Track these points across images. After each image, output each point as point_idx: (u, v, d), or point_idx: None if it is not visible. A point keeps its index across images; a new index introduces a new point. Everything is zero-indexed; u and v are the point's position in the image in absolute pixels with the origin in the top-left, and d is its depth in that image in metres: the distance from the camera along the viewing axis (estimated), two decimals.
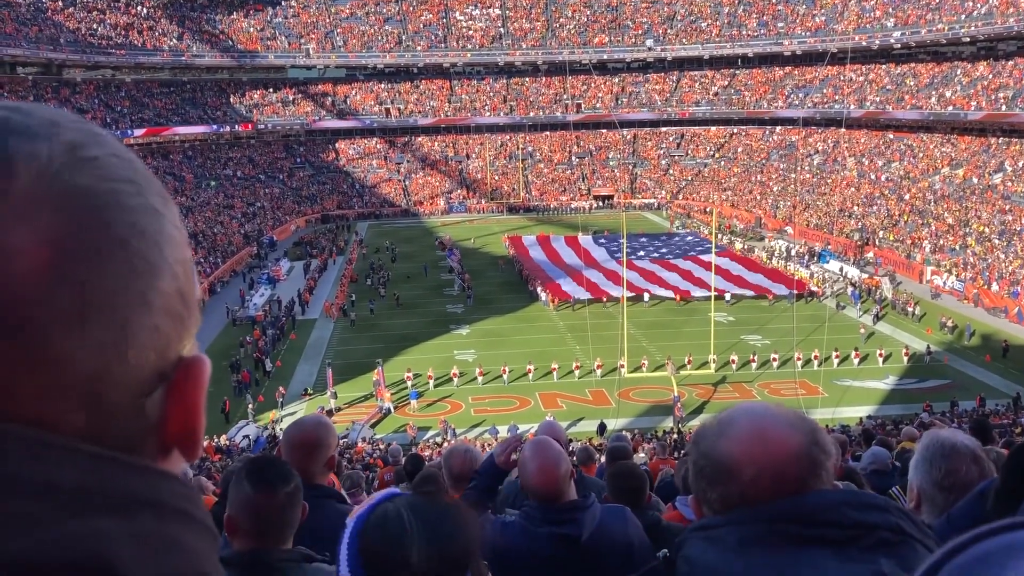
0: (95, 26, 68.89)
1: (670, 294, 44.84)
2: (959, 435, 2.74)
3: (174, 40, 74.97)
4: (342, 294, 46.61)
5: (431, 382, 33.43)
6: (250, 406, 30.52)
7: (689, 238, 59.55)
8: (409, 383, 33.26)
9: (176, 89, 75.58)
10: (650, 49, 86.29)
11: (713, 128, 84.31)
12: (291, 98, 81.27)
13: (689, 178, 79.87)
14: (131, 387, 0.54)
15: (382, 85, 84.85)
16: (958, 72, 64.83)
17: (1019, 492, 1.56)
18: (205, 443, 25.73)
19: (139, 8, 74.98)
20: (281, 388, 32.44)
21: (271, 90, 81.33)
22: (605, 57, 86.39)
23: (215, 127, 74.40)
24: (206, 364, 0.63)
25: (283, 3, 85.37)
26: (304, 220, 70.27)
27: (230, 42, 79.03)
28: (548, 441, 3.02)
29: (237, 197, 67.59)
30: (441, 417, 30.00)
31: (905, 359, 35.18)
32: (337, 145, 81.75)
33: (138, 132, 66.23)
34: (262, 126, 78.11)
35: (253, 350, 37.00)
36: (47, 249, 0.51)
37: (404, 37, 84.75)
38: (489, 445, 25.46)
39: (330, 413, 30.88)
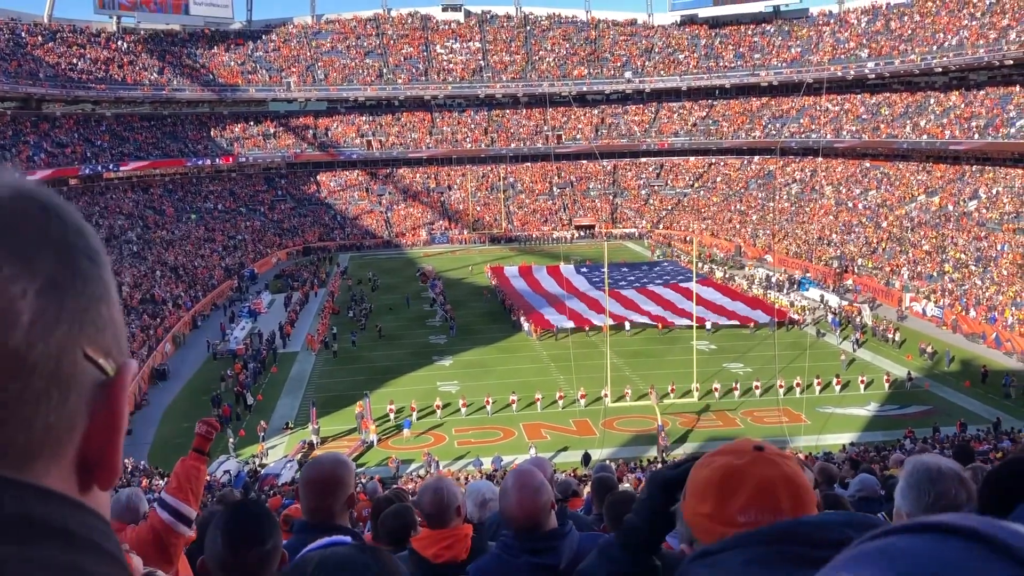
0: (75, 60, 68.92)
1: (652, 323, 44.94)
2: (942, 459, 2.75)
3: (155, 74, 75.04)
4: (324, 326, 46.40)
5: (414, 414, 33.21)
6: (231, 441, 30.18)
7: (670, 267, 59.84)
8: (392, 415, 33.05)
9: (157, 123, 75.54)
10: (629, 81, 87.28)
11: (692, 158, 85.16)
12: (272, 131, 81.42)
13: (669, 207, 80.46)
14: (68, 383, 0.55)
15: (363, 118, 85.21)
16: (931, 102, 65.92)
17: (998, 512, 1.57)
18: None
19: (119, 43, 75.12)
20: (263, 422, 32.15)
21: (252, 123, 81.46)
22: (584, 89, 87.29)
23: (196, 160, 74.32)
24: (133, 365, 0.64)
25: (264, 37, 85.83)
26: (285, 253, 70.09)
27: (211, 76, 79.20)
28: (530, 470, 3.01)
29: (218, 230, 67.38)
30: (425, 449, 29.78)
31: (886, 386, 35.35)
32: (319, 177, 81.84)
33: (118, 166, 66.08)
34: (243, 159, 78.10)
35: (234, 384, 36.69)
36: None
37: (385, 70, 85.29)
38: (473, 477, 25.31)
39: (311, 447, 30.65)
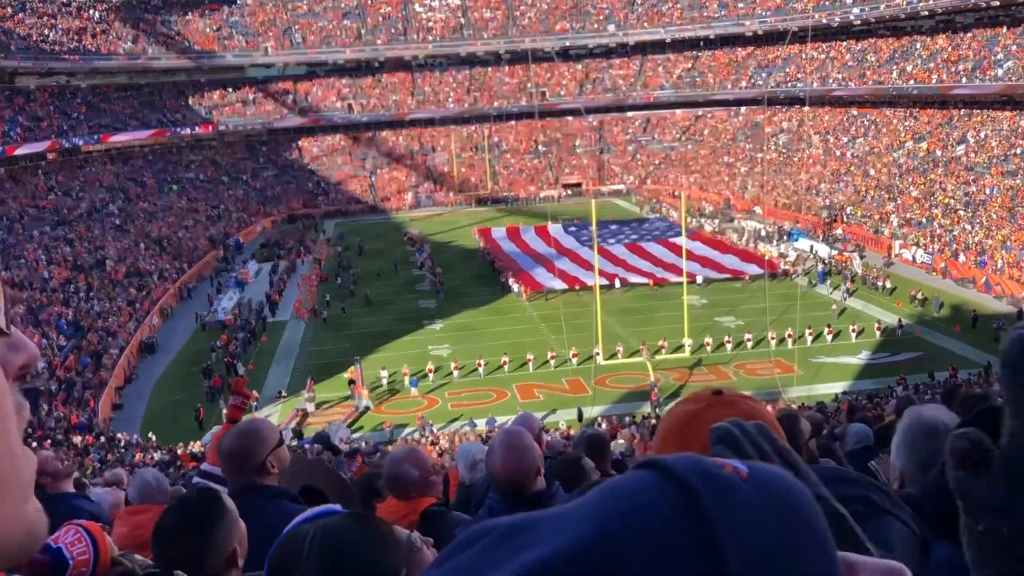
0: (46, 32, 67.48)
1: (644, 280, 44.81)
2: (941, 413, 2.70)
3: (129, 43, 73.68)
4: (312, 294, 46.10)
5: (406, 378, 33.14)
6: (224, 411, 30.00)
7: (659, 223, 59.63)
8: (384, 381, 32.96)
9: (133, 93, 74.34)
10: (612, 34, 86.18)
11: (679, 111, 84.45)
12: (251, 98, 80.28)
13: (657, 162, 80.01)
14: None
15: (343, 81, 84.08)
16: (918, 46, 65.36)
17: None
18: (180, 451, 25.28)
19: (91, 12, 73.59)
20: (255, 392, 31.92)
21: (231, 90, 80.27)
22: (568, 44, 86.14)
23: (175, 130, 73.30)
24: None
25: (239, 1, 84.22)
26: (270, 221, 69.51)
27: (186, 43, 77.85)
28: (518, 431, 2.96)
29: (201, 200, 66.69)
30: (418, 413, 29.70)
31: (877, 333, 35.39)
32: (300, 143, 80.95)
33: (96, 138, 65.12)
34: (223, 127, 77.09)
35: (224, 355, 36.47)
36: None
37: (364, 31, 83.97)
38: (467, 439, 25.26)
39: (306, 414, 30.57)
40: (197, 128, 74.95)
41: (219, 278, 51.47)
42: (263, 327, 41.35)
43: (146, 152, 71.39)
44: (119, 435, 27.89)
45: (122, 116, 70.27)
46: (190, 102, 77.56)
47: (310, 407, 31.04)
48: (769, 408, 26.13)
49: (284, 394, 32.86)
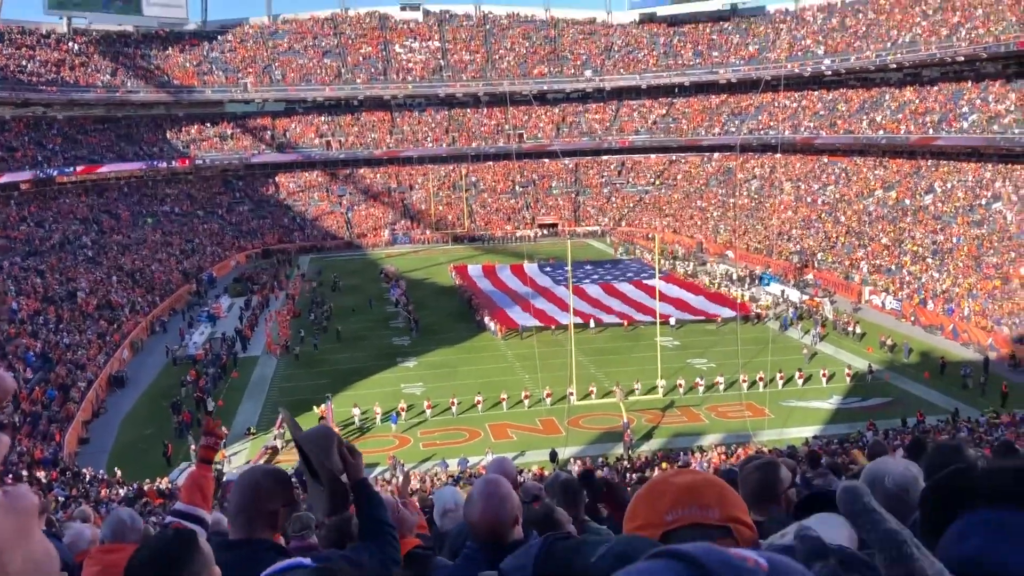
0: (24, 63, 67.37)
1: (618, 321, 45.04)
2: (897, 469, 2.72)
3: (108, 76, 73.63)
4: (284, 330, 45.85)
5: (378, 417, 32.94)
6: (192, 448, 29.63)
7: (633, 264, 60.12)
8: (356, 419, 32.73)
9: (111, 126, 74.14)
10: (589, 79, 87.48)
11: (653, 156, 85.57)
12: (229, 132, 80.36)
13: (631, 205, 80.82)
14: None
15: (322, 118, 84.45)
16: (887, 97, 66.89)
17: (937, 527, 1.52)
18: (147, 487, 24.91)
19: (71, 44, 73.60)
20: (224, 428, 31.57)
21: (208, 125, 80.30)
22: (545, 88, 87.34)
23: (151, 163, 73.08)
24: None
25: (219, 38, 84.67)
26: (244, 255, 69.22)
27: (166, 77, 77.93)
28: (498, 480, 2.93)
29: (175, 234, 66.32)
30: (390, 452, 29.49)
31: (848, 378, 35.75)
32: (277, 179, 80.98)
33: (71, 170, 64.76)
34: (200, 161, 76.95)
35: (194, 390, 36.10)
36: None
37: (344, 70, 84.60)
38: (438, 479, 25.13)
39: (276, 451, 30.23)
40: (174, 162, 74.77)
41: (191, 312, 51.08)
42: (234, 362, 41.03)
43: (121, 184, 71.01)
44: (84, 470, 27.44)
45: (98, 148, 69.99)
46: (167, 136, 77.44)
47: (280, 443, 30.72)
48: (741, 452, 26.11)
49: (253, 431, 32.51)
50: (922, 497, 1.68)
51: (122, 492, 24.47)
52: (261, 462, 28.79)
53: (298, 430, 3.03)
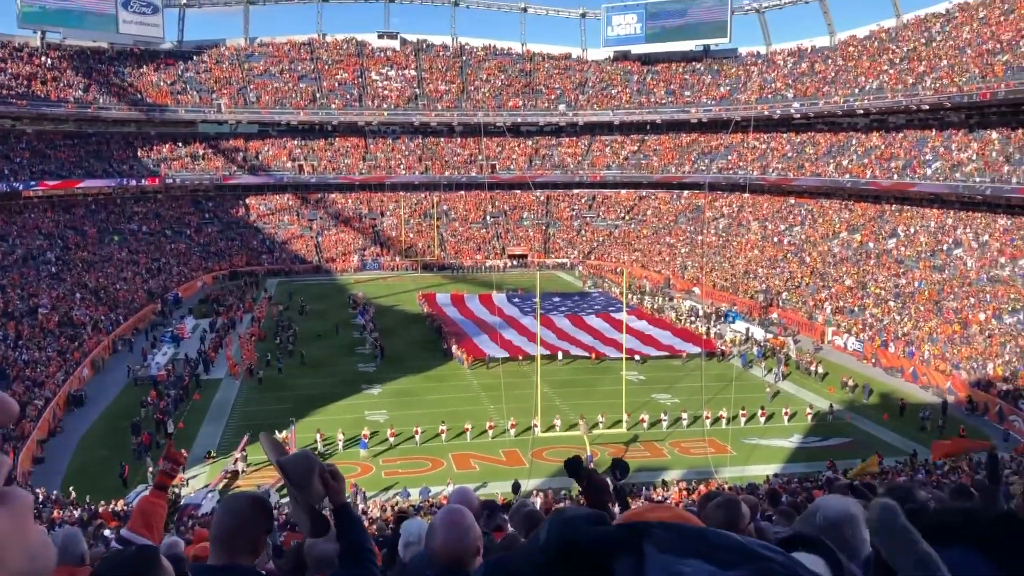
0: None
1: (585, 353, 45.18)
2: (832, 504, 2.73)
3: (80, 91, 73.15)
4: (249, 353, 45.44)
5: (340, 444, 32.69)
6: (150, 470, 29.18)
7: (601, 298, 60.43)
8: (319, 445, 32.44)
9: (81, 142, 73.50)
10: (563, 114, 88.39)
11: (623, 191, 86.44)
12: (201, 153, 79.99)
13: (601, 239, 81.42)
14: None
15: (295, 141, 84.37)
16: (853, 142, 68.27)
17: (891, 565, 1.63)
18: (101, 508, 24.47)
19: (43, 59, 73.08)
20: (183, 451, 31.06)
21: (180, 144, 79.90)
22: (519, 120, 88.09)
23: (121, 180, 72.45)
24: None
25: (195, 58, 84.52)
26: (211, 277, 68.63)
27: (139, 95, 77.56)
28: (460, 510, 2.94)
29: (142, 252, 65.65)
30: (351, 480, 29.23)
31: (809, 418, 36.11)
32: (248, 201, 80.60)
33: (38, 184, 64.01)
34: (170, 180, 76.43)
35: (154, 411, 35.60)
36: None
37: (319, 95, 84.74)
38: (399, 509, 24.92)
39: (235, 475, 29.86)
40: (144, 180, 74.18)
41: (155, 332, 50.47)
42: (196, 384, 40.53)
43: (89, 201, 70.28)
44: (38, 490, 26.88)
45: (67, 164, 69.31)
46: (138, 154, 76.90)
47: (241, 466, 30.34)
48: (703, 488, 26.27)
49: (213, 455, 32.07)
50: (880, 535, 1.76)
51: (76, 514, 24.00)
52: (219, 487, 28.44)
53: (279, 454, 3.01)
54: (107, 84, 76.41)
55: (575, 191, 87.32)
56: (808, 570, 1.23)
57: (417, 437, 33.12)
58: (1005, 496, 7.26)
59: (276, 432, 32.47)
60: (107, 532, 15.21)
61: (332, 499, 2.86)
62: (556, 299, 58.58)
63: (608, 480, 4.76)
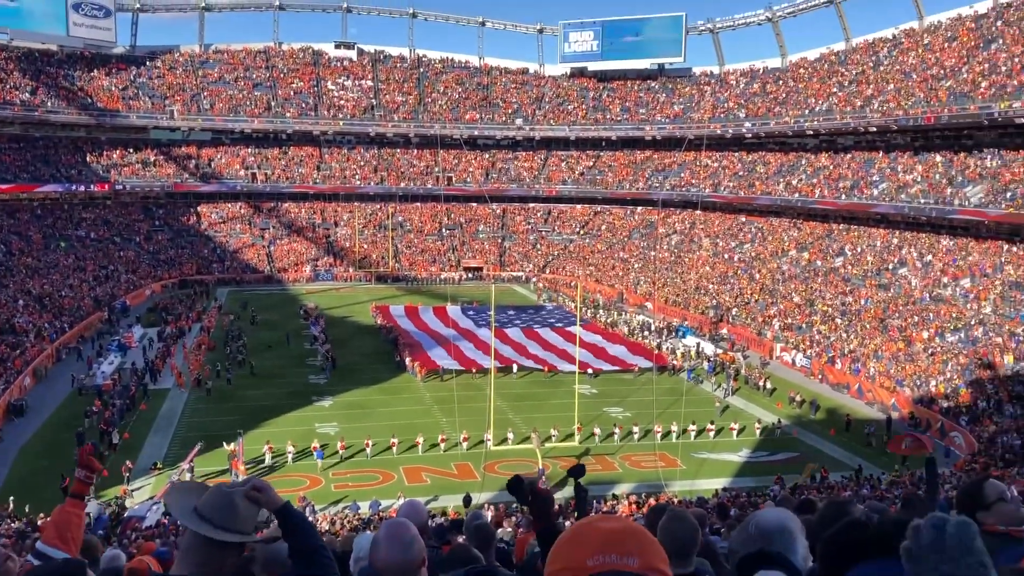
0: None
1: (539, 367, 45.27)
2: (767, 516, 2.75)
3: (27, 94, 71.65)
4: (197, 363, 44.72)
5: (290, 456, 32.29)
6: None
7: (555, 311, 60.66)
8: (268, 457, 32.01)
9: (27, 145, 71.94)
10: (519, 128, 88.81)
11: (579, 206, 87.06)
12: (152, 159, 78.75)
13: (556, 253, 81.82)
14: None
15: (249, 150, 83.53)
16: (803, 162, 69.61)
17: (835, 571, 1.67)
18: (40, 521, 23.88)
19: None
20: (128, 462, 30.58)
21: (131, 150, 78.59)
22: (476, 133, 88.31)
23: (68, 186, 71.00)
24: None
25: (148, 63, 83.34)
26: (160, 285, 67.48)
27: (89, 99, 76.19)
28: (403, 523, 2.93)
29: (89, 259, 64.36)
30: (300, 493, 28.89)
31: (757, 432, 36.59)
32: (199, 208, 79.51)
33: None
34: (120, 187, 75.09)
35: (99, 421, 34.83)
36: None
37: (274, 103, 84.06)
38: (348, 522, 24.72)
39: None
40: (92, 186, 72.80)
41: (101, 340, 49.43)
42: (143, 394, 39.77)
43: (35, 206, 68.73)
44: None
45: (12, 167, 67.75)
46: (88, 159, 75.48)
47: (189, 477, 29.82)
48: (652, 501, 26.44)
49: (160, 466, 31.49)
50: (820, 549, 1.83)
51: (14, 526, 23.36)
52: (164, 498, 27.89)
53: (194, 499, 2.78)
54: (56, 87, 74.96)
55: (531, 205, 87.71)
56: None
57: (368, 450, 32.86)
58: (945, 507, 7.47)
59: (224, 444, 31.98)
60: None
61: (268, 507, 2.80)
62: (511, 312, 58.68)
63: (553, 494, 4.79)
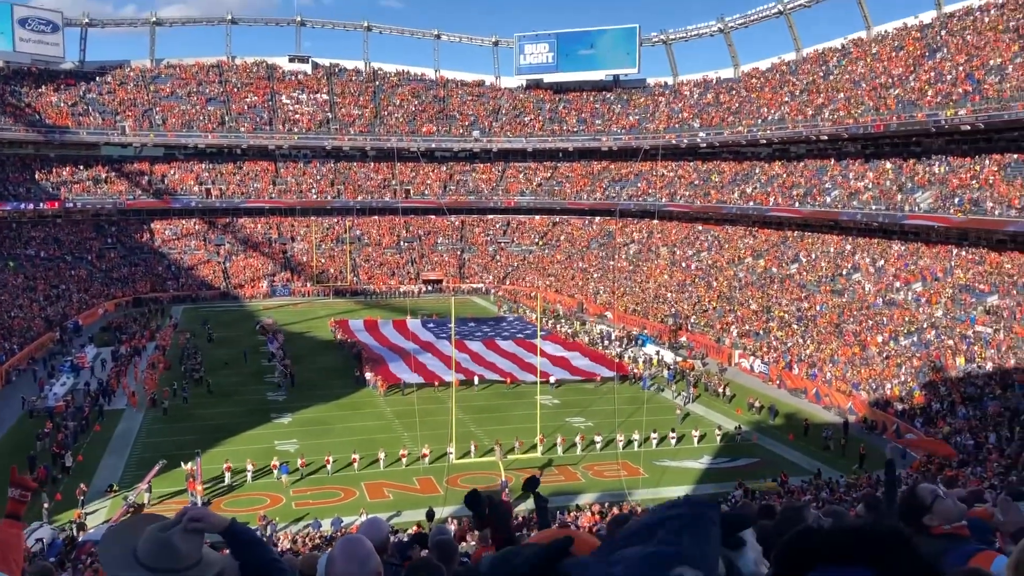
0: None
1: (500, 378, 45.21)
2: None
3: None
4: (152, 382, 43.95)
5: (249, 475, 31.82)
6: (45, 506, 27.83)
7: (516, 322, 60.69)
8: (227, 476, 31.50)
9: None
10: (476, 140, 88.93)
11: (537, 217, 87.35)
12: (104, 176, 77.41)
13: (515, 264, 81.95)
14: None
15: (203, 165, 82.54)
16: (757, 171, 70.58)
17: None
18: None
19: None
20: (83, 485, 29.87)
21: (82, 167, 77.18)
22: (433, 146, 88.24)
23: (17, 204, 69.53)
24: None
25: (98, 79, 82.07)
26: (114, 303, 66.30)
27: (37, 116, 74.77)
28: (358, 539, 2.90)
29: (39, 278, 63.04)
30: (260, 511, 28.48)
31: (718, 439, 36.88)
32: (153, 225, 78.34)
33: None
34: (70, 204, 73.70)
35: (51, 444, 34.02)
36: None
37: (228, 118, 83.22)
38: (311, 540, 24.42)
39: (140, 508, 28.73)
40: (42, 204, 71.38)
41: (53, 361, 48.37)
42: (98, 415, 38.93)
43: None
44: None
45: None
46: (36, 177, 74.00)
47: (147, 497, 29.21)
48: (615, 511, 26.53)
49: (115, 488, 30.82)
50: (774, 556, 1.83)
51: None
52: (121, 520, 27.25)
53: (131, 545, 2.55)
54: (2, 104, 73.47)
55: (489, 216, 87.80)
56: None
57: (329, 467, 32.51)
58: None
59: (181, 464, 31.40)
60: None
61: (212, 532, 2.72)
62: (471, 324, 58.58)
63: (513, 507, 4.78)
